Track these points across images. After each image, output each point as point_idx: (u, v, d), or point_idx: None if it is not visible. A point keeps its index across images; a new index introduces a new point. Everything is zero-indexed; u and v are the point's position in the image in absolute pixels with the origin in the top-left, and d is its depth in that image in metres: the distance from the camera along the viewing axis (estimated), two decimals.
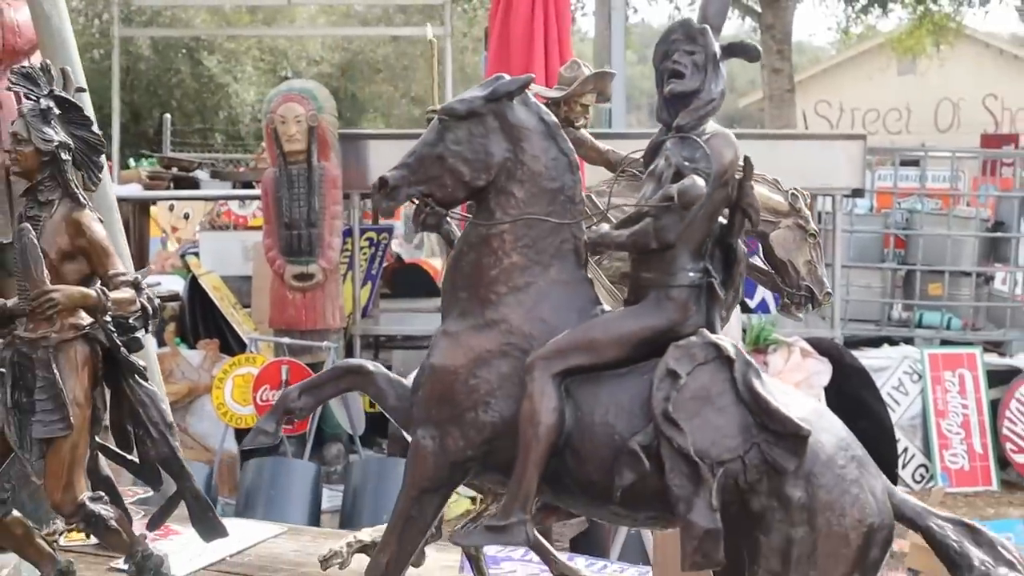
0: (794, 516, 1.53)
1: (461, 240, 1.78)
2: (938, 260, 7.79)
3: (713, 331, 1.63)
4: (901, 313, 8.04)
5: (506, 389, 1.67)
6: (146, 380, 2.02)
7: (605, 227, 1.75)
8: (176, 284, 7.48)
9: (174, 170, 8.57)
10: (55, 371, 1.90)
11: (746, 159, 1.61)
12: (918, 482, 6.42)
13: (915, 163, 9.47)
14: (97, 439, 2.01)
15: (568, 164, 1.73)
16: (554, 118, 1.75)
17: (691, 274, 1.63)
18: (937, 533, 1.58)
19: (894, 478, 5.80)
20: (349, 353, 6.70)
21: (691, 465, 1.54)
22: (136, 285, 1.94)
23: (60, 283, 1.92)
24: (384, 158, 6.68)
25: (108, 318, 1.92)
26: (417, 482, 1.76)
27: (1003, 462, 6.53)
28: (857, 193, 7.08)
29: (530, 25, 6.13)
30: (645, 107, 41.52)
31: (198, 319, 6.88)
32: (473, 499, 2.18)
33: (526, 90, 1.73)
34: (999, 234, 8.06)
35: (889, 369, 6.67)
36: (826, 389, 5.67)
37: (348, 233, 6.76)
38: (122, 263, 1.96)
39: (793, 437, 1.51)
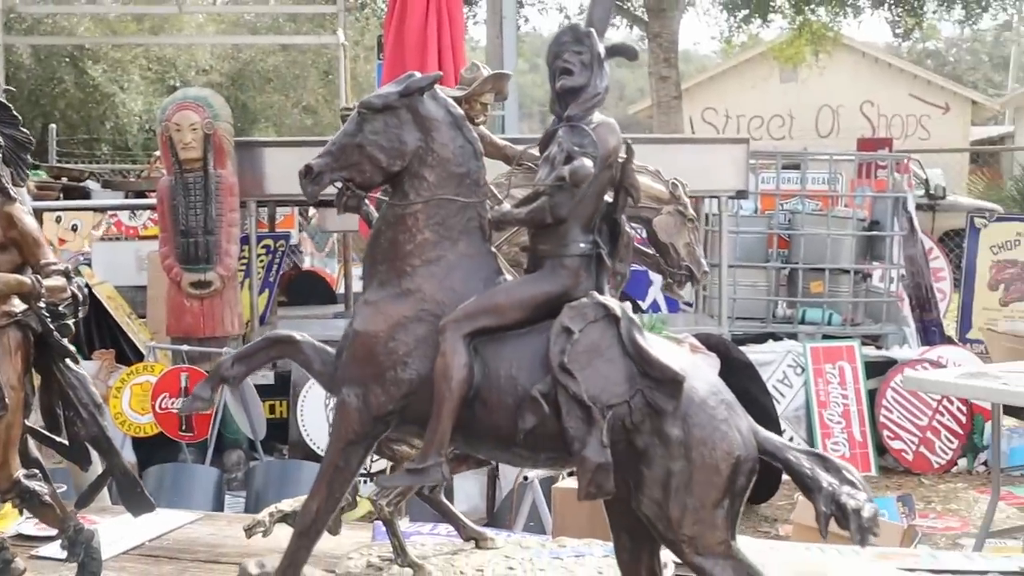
0: (673, 451, 1.74)
1: (379, 219, 1.96)
2: (819, 259, 8.12)
3: (602, 294, 1.84)
4: (785, 310, 8.35)
5: (422, 350, 1.85)
6: (77, 363, 2.09)
7: (506, 206, 1.96)
8: None
9: (64, 180, 8.45)
10: None
11: (627, 145, 1.83)
12: None
13: (796, 166, 9.85)
14: (26, 423, 2.07)
15: (473, 152, 1.93)
16: (460, 111, 1.94)
17: (582, 245, 1.85)
18: (794, 463, 1.80)
19: (779, 470, 6.06)
20: None
21: (584, 409, 1.75)
22: (67, 274, 2.02)
23: None
24: (280, 166, 6.72)
25: (41, 304, 2.00)
26: (344, 435, 1.91)
27: (880, 448, 6.86)
28: (741, 195, 7.35)
29: (424, 33, 6.26)
30: (536, 115, 41.94)
31: (92, 329, 6.81)
32: (372, 502, 2.30)
33: (435, 86, 1.92)
34: (875, 233, 8.43)
35: (774, 363, 6.95)
36: None
37: (245, 240, 6.78)
38: (52, 253, 2.03)
39: (671, 382, 1.73)
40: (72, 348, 2.08)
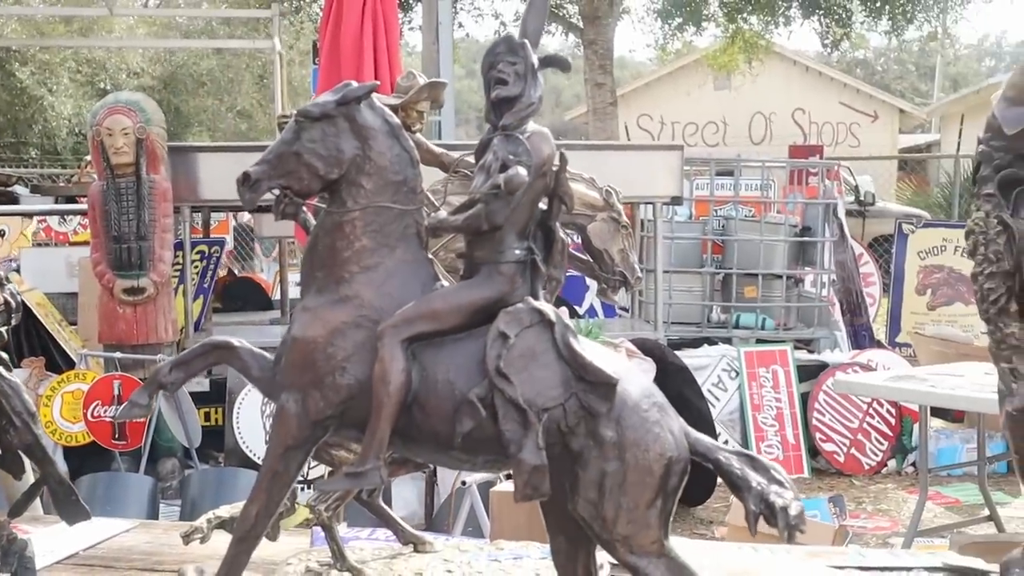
0: (607, 452, 1.77)
1: (317, 227, 1.97)
2: (752, 264, 8.24)
3: (537, 299, 1.87)
4: (719, 315, 8.46)
5: (360, 356, 1.87)
6: (9, 371, 2.06)
7: (443, 213, 1.98)
8: None
9: None
10: None
11: (561, 154, 1.86)
12: None
13: (730, 173, 9.99)
14: None
15: (410, 160, 1.95)
16: (397, 120, 1.96)
17: (517, 251, 1.88)
18: (724, 463, 1.84)
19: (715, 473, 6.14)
20: None
21: (520, 412, 1.77)
22: None
23: None
24: (215, 171, 6.67)
25: None
26: (283, 440, 1.91)
27: (813, 451, 6.98)
28: (676, 201, 7.44)
29: (359, 39, 6.25)
30: (473, 121, 41.99)
31: (21, 337, 6.69)
32: (311, 508, 2.30)
33: (372, 95, 1.93)
34: (807, 239, 8.58)
35: (709, 367, 7.04)
36: None
37: (179, 246, 6.71)
38: None
39: (604, 385, 1.77)
40: (4, 356, 2.05)
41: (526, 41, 1.91)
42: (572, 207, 1.88)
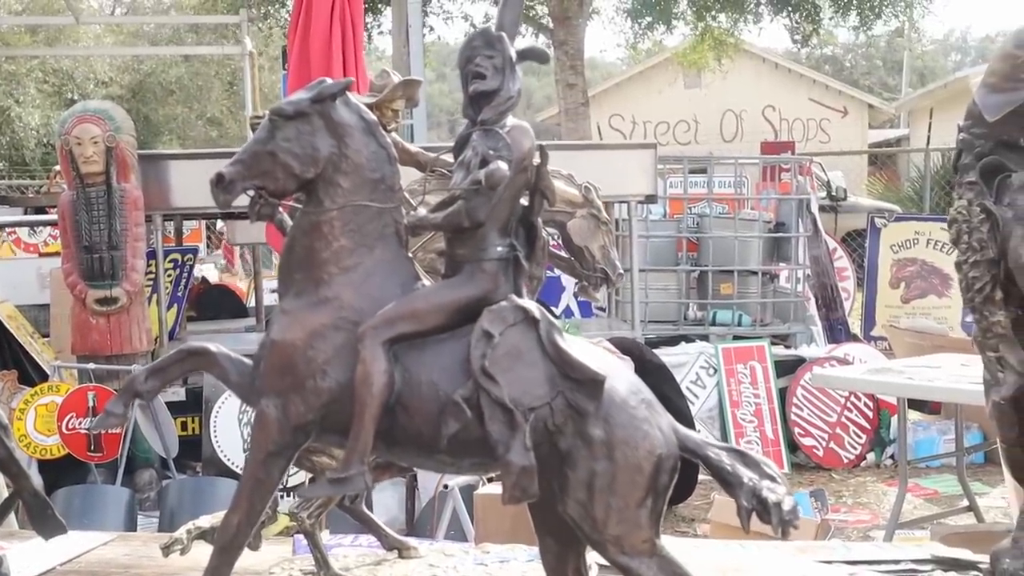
0: (596, 451, 1.76)
1: (294, 227, 1.94)
2: (727, 261, 8.25)
3: (520, 297, 1.84)
4: (696, 312, 8.46)
5: (341, 358, 1.84)
6: None
7: (422, 211, 1.95)
8: None
9: None
10: None
11: (541, 148, 1.84)
12: None
13: (703, 170, 10.00)
14: None
15: (387, 157, 1.92)
16: (373, 117, 1.92)
17: (499, 248, 1.85)
18: (714, 459, 1.83)
19: (695, 468, 6.13)
20: None
21: (507, 413, 1.75)
22: None
23: None
24: (186, 179, 6.60)
25: None
26: (263, 447, 1.89)
27: (792, 445, 6.99)
28: (650, 199, 7.44)
29: (328, 45, 6.22)
30: (445, 124, 41.94)
31: None
32: (293, 516, 2.27)
33: (347, 92, 1.90)
34: (781, 235, 8.60)
35: (687, 364, 7.04)
36: None
37: (151, 255, 6.64)
38: None
39: (591, 383, 1.75)
40: None
41: (503, 34, 1.88)
42: (553, 202, 1.87)
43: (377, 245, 1.88)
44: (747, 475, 1.80)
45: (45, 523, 2.08)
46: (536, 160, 1.85)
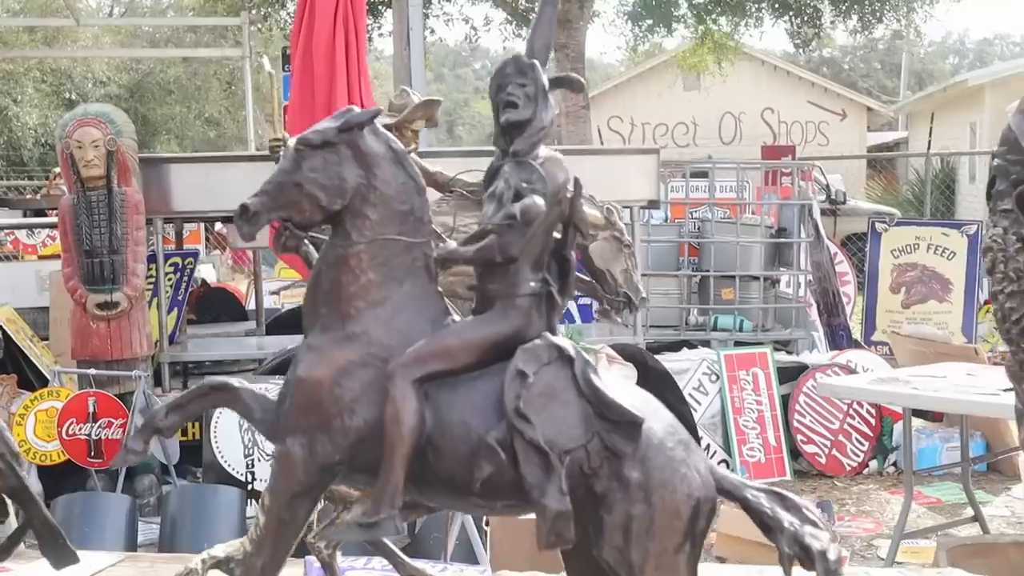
0: (633, 495, 1.71)
1: (320, 260, 1.89)
2: (729, 266, 8.22)
3: (554, 334, 1.79)
4: (697, 317, 8.43)
5: (369, 396, 1.78)
6: None
7: (452, 244, 1.90)
8: None
9: None
10: None
11: (575, 180, 1.79)
12: None
13: (704, 174, 9.97)
14: None
15: (416, 187, 1.87)
16: (401, 146, 1.88)
17: (532, 284, 1.80)
18: (752, 502, 1.78)
19: None
20: (158, 381, 6.55)
21: (542, 455, 1.70)
22: None
23: None
24: (187, 182, 6.58)
25: None
26: (288, 487, 1.84)
27: (794, 453, 6.96)
28: (653, 205, 7.42)
29: (331, 47, 6.20)
30: (443, 124, 41.88)
31: None
32: (311, 545, 2.24)
33: (375, 121, 1.85)
34: (783, 240, 8.57)
35: (689, 371, 7.02)
36: None
37: (152, 259, 6.61)
38: None
39: (629, 425, 1.70)
40: None
41: (535, 62, 1.84)
42: (588, 235, 1.83)
43: (406, 279, 1.83)
44: (788, 519, 1.75)
45: (56, 552, 2.04)
46: (570, 192, 1.80)
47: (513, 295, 1.79)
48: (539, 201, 1.73)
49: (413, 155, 2.48)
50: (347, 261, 1.84)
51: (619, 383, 1.79)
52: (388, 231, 1.83)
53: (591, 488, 1.72)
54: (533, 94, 1.83)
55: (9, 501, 2.04)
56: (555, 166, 1.81)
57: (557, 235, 1.83)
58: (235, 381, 1.95)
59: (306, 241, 1.92)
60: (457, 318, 1.87)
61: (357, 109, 1.85)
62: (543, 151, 1.83)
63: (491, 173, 1.86)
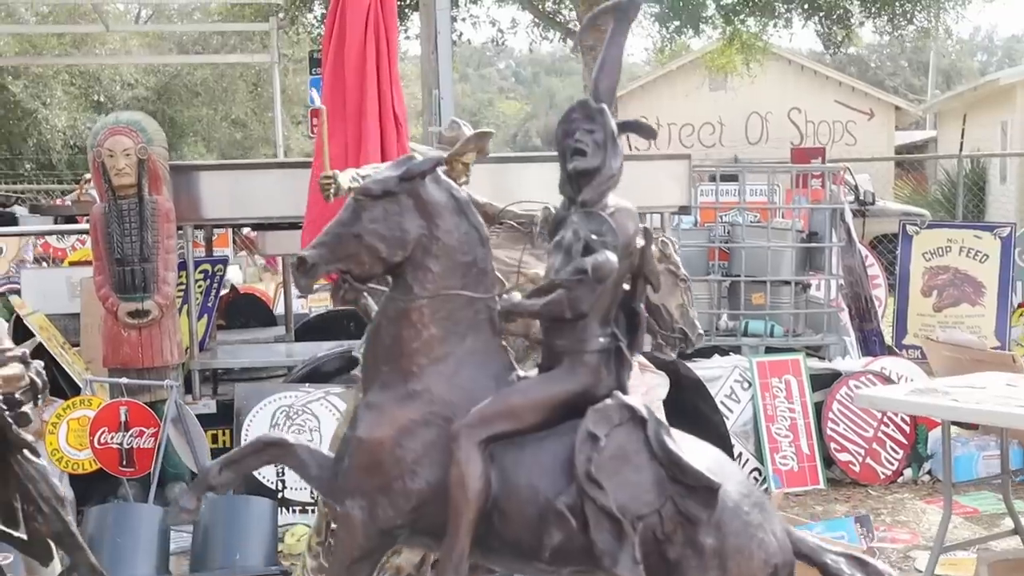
0: (708, 562, 1.65)
1: (379, 314, 1.83)
2: (759, 270, 8.15)
3: (624, 391, 1.73)
4: (727, 322, 8.36)
5: (431, 457, 1.72)
6: (36, 456, 1.96)
7: (517, 296, 1.84)
8: None
9: None
10: None
11: (646, 230, 1.73)
12: None
13: (734, 178, 9.89)
14: None
15: (479, 238, 1.81)
16: (464, 194, 1.82)
17: (601, 339, 1.73)
18: (832, 567, 1.72)
19: None
20: (188, 388, 6.56)
21: (614, 522, 1.63)
22: (24, 360, 1.89)
23: None
24: (217, 189, 6.58)
25: None
26: (349, 552, 1.78)
27: (828, 461, 6.89)
28: (684, 211, 7.36)
29: (363, 55, 6.16)
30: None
31: None
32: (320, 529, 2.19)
33: (437, 169, 1.80)
34: (814, 244, 8.49)
35: (721, 378, 6.95)
36: (664, 402, 5.86)
37: (182, 266, 6.61)
38: (8, 339, 1.90)
39: (705, 490, 1.63)
40: (30, 439, 1.95)
41: (604, 107, 1.78)
42: (659, 287, 1.77)
43: (469, 333, 1.77)
44: None
45: None
46: (640, 243, 1.74)
47: (581, 351, 1.73)
48: (612, 257, 1.66)
49: (465, 189, 2.43)
50: (408, 316, 1.78)
51: (691, 442, 1.73)
52: (451, 284, 1.77)
53: (664, 555, 1.66)
54: (602, 141, 1.77)
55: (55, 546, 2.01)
56: (625, 217, 1.75)
57: (626, 286, 1.76)
58: (290, 437, 1.90)
59: (365, 294, 1.87)
60: (521, 373, 1.81)
61: (418, 156, 1.79)
62: (612, 200, 1.77)
63: (557, 222, 1.80)
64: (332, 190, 2.52)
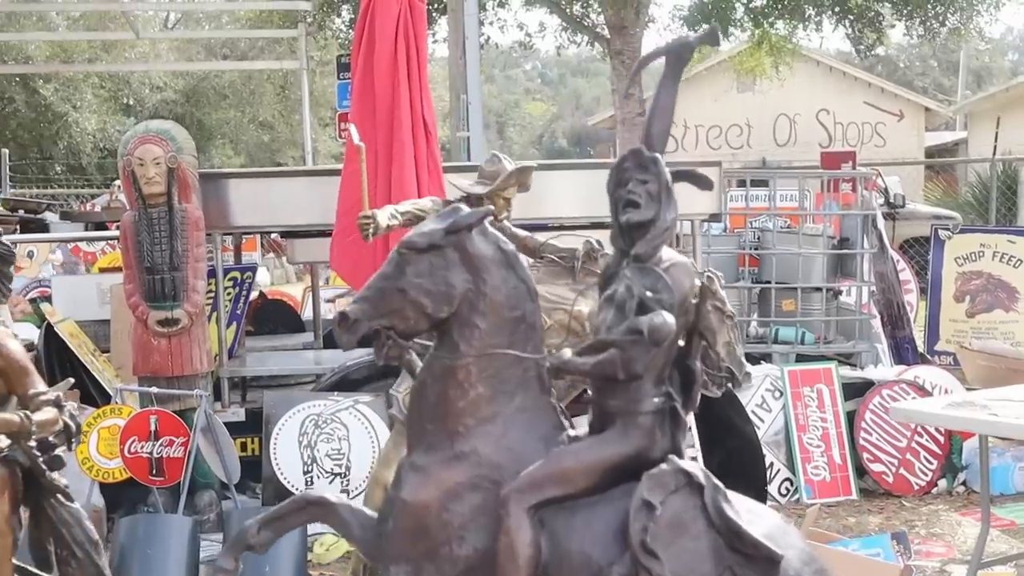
0: None
1: (424, 371, 1.78)
2: (790, 276, 8.08)
3: (679, 454, 1.68)
4: (758, 330, 8.29)
5: (479, 521, 1.67)
6: (70, 500, 1.94)
7: (567, 353, 1.78)
8: (28, 331, 7.18)
9: (20, 212, 8.24)
10: None
11: (702, 285, 1.68)
12: (784, 495, 6.65)
13: (763, 182, 9.81)
14: (14, 560, 1.91)
15: (527, 292, 1.75)
16: (512, 246, 1.76)
17: (655, 400, 1.67)
18: None
19: (764, 494, 5.99)
20: (217, 396, 6.56)
21: None
22: (58, 403, 1.86)
23: None
24: (246, 197, 6.58)
25: (32, 443, 1.83)
26: None
27: (860, 471, 6.81)
28: (715, 218, 7.30)
29: (393, 62, 6.15)
30: (493, 126, 41.90)
31: (55, 369, 6.61)
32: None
33: (484, 222, 1.74)
34: (846, 251, 8.41)
35: (752, 387, 6.88)
36: (696, 412, 5.81)
37: (211, 274, 6.61)
38: (42, 382, 1.88)
39: (766, 560, 1.57)
40: (65, 484, 1.93)
41: (658, 156, 1.73)
42: (715, 344, 1.72)
43: (517, 392, 1.72)
44: None
45: None
46: (695, 299, 1.68)
47: (635, 412, 1.67)
48: (670, 320, 1.60)
49: (507, 223, 2.38)
50: (455, 374, 1.72)
51: (749, 507, 1.67)
52: (498, 341, 1.71)
53: None
54: (656, 192, 1.72)
55: None
56: (681, 273, 1.69)
57: (681, 343, 1.70)
58: (332, 496, 1.86)
59: (409, 351, 1.82)
60: (571, 432, 1.76)
61: (465, 209, 1.73)
62: (667, 253, 1.71)
63: (609, 274, 1.75)
64: (371, 229, 2.50)
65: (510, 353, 1.69)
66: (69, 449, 1.93)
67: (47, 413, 1.84)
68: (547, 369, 1.73)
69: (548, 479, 1.65)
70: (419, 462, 1.73)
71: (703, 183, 1.75)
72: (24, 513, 1.93)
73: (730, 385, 2.24)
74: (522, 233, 2.40)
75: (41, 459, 1.84)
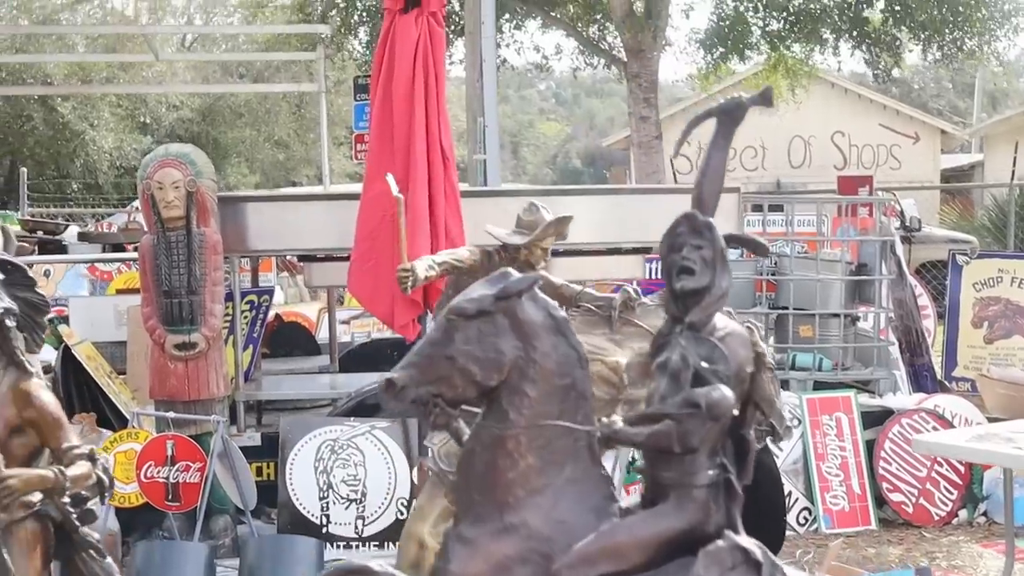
0: None
1: (472, 439, 1.75)
2: (807, 302, 8.02)
3: (735, 528, 1.65)
4: (775, 355, 8.22)
5: None
6: (102, 556, 1.92)
7: (619, 422, 1.76)
8: (46, 352, 7.18)
9: (39, 233, 8.27)
10: (4, 555, 1.79)
11: (757, 355, 1.65)
12: (802, 524, 6.60)
13: (780, 207, 9.77)
14: None
15: (578, 359, 1.72)
16: (562, 313, 1.74)
17: (710, 472, 1.65)
18: None
19: (783, 524, 5.94)
20: (232, 419, 6.55)
21: None
22: (91, 456, 1.85)
23: (7, 459, 1.81)
24: (264, 220, 6.59)
25: (66, 499, 1.81)
26: None
27: (880, 501, 6.75)
28: (732, 244, 7.25)
29: (411, 87, 6.17)
30: (508, 146, 41.99)
31: (72, 391, 6.61)
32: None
33: (535, 288, 1.72)
34: (864, 277, 8.36)
35: None
36: None
37: (228, 297, 6.61)
38: (76, 435, 1.86)
39: None
40: (96, 537, 1.91)
41: (711, 221, 1.71)
42: (771, 414, 1.69)
43: (568, 463, 1.69)
44: None
45: None
46: (750, 368, 1.65)
47: (690, 485, 1.65)
48: (729, 395, 1.57)
49: (544, 271, 2.36)
50: (504, 444, 1.69)
51: None
52: (548, 410, 1.68)
53: None
54: (710, 258, 1.69)
55: None
56: (737, 342, 1.67)
57: (736, 412, 1.68)
58: (375, 564, 1.82)
59: (457, 418, 1.79)
60: (622, 504, 1.73)
61: (515, 274, 1.69)
62: (721, 321, 1.68)
63: (661, 340, 1.72)
64: (410, 282, 2.48)
65: (561, 424, 1.65)
66: (102, 503, 1.91)
67: (81, 467, 1.82)
68: (598, 439, 1.69)
69: (601, 554, 1.61)
70: (467, 534, 1.69)
71: (760, 250, 1.73)
72: (55, 568, 1.90)
73: (771, 439, 2.20)
74: (558, 281, 2.37)
75: (74, 514, 1.82)
